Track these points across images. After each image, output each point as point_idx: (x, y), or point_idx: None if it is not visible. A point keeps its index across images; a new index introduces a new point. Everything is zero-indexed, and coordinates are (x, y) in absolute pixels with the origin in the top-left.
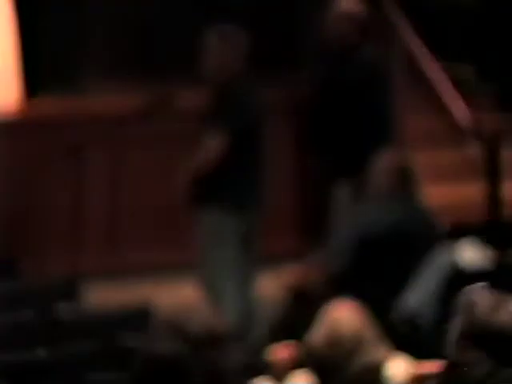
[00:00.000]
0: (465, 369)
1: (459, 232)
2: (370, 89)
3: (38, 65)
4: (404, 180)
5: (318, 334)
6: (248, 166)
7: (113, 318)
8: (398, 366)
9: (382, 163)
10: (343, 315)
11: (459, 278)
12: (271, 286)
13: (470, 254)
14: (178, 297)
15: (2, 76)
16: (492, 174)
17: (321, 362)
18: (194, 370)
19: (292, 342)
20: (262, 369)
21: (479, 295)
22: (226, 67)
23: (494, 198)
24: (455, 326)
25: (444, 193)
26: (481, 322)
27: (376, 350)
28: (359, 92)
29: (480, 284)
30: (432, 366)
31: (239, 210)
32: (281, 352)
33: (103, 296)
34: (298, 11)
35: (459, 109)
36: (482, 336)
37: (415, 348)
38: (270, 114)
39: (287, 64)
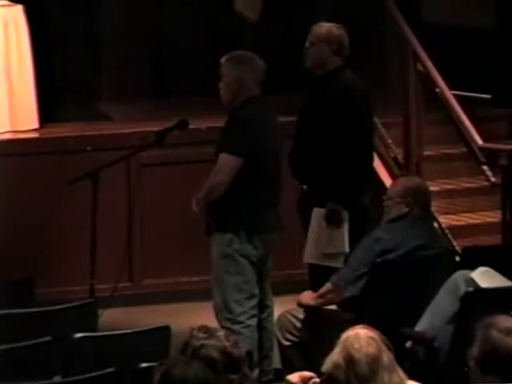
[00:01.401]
0: None
1: (475, 255)
2: (349, 113)
3: (56, 89)
4: (423, 203)
5: (335, 358)
6: (261, 191)
7: (131, 343)
8: None
9: (402, 186)
10: (360, 340)
11: (475, 302)
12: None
13: (486, 277)
14: (193, 322)
15: (21, 99)
16: (508, 197)
17: None
18: None
19: (309, 367)
20: None
21: (494, 319)
22: (242, 92)
23: (510, 222)
24: (471, 350)
25: (460, 217)
26: (495, 346)
27: (393, 374)
28: (337, 116)
29: (495, 307)
30: None
31: (253, 235)
32: (297, 377)
33: (120, 320)
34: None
35: (475, 134)
36: (497, 359)
37: (431, 371)
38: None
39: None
